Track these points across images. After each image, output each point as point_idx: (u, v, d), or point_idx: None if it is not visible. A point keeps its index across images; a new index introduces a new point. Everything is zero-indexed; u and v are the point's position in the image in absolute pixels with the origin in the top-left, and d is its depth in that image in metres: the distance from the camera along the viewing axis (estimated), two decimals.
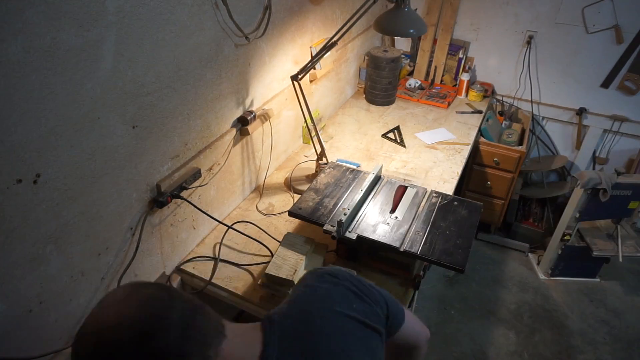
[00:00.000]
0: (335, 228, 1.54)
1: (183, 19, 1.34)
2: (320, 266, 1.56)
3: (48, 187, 1.09)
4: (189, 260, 1.72)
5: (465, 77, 3.05)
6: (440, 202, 1.74)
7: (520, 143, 2.87)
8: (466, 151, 2.43)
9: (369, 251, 1.67)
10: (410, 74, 3.30)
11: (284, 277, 1.46)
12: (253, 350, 0.79)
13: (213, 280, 1.63)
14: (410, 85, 3.08)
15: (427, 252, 1.50)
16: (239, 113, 1.80)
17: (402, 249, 1.50)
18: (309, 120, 1.98)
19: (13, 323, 1.13)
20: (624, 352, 2.46)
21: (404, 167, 2.27)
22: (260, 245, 1.77)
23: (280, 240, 1.66)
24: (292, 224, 1.90)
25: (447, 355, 2.40)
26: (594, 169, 3.20)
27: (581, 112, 3.03)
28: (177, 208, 1.60)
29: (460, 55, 3.11)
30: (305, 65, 1.82)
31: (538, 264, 2.99)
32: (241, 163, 1.93)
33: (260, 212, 1.98)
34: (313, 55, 2.15)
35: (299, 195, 1.82)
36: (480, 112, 2.88)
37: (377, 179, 1.87)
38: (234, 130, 1.78)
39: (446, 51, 3.13)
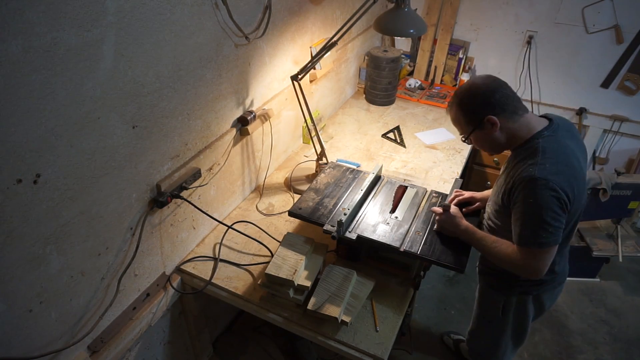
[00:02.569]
0: (335, 228, 1.54)
1: (183, 19, 1.34)
2: (320, 266, 1.57)
3: (48, 187, 1.09)
4: (189, 260, 1.72)
5: (465, 77, 3.05)
6: (440, 202, 1.74)
7: None
8: (466, 151, 2.43)
9: (369, 251, 1.68)
10: (410, 74, 3.30)
11: (284, 277, 1.46)
12: (543, 122, 1.38)
13: (213, 280, 1.63)
14: (410, 85, 3.08)
15: (427, 252, 1.50)
16: (239, 113, 1.80)
17: (402, 249, 1.51)
18: (309, 120, 1.98)
19: (13, 323, 1.13)
20: (624, 352, 2.46)
21: (404, 167, 2.27)
22: (260, 245, 1.77)
23: (280, 240, 1.66)
24: (292, 224, 1.90)
25: (448, 356, 2.40)
26: (594, 169, 3.20)
27: (581, 112, 3.02)
28: (177, 208, 1.60)
29: (460, 55, 3.11)
30: (305, 65, 1.82)
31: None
32: (241, 163, 1.93)
33: (260, 212, 1.98)
34: (313, 55, 2.15)
35: (299, 195, 1.82)
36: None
37: (377, 179, 1.87)
38: (234, 130, 1.78)
39: (446, 51, 3.13)
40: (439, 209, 1.59)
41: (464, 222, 1.52)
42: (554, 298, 1.64)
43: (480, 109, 1.33)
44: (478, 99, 1.34)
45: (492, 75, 1.41)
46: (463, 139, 1.44)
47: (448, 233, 1.55)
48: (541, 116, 1.42)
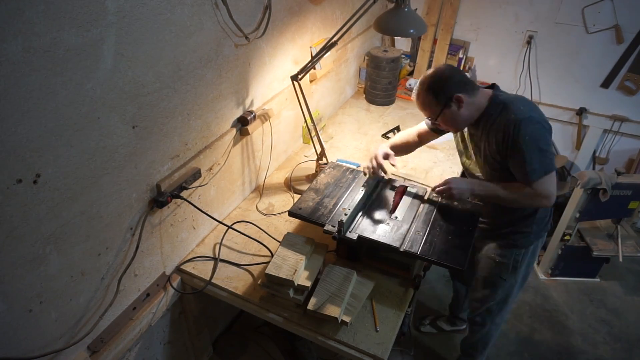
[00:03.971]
0: (336, 228, 1.54)
1: (183, 19, 1.34)
2: (320, 266, 1.57)
3: (48, 187, 1.09)
4: (189, 260, 1.72)
5: None
6: (440, 202, 1.74)
7: None
8: None
9: (369, 251, 1.67)
10: (410, 74, 3.30)
11: (284, 277, 1.46)
12: (489, 89, 1.58)
13: (213, 280, 1.63)
14: (410, 85, 3.08)
15: (427, 252, 1.50)
16: (239, 113, 1.80)
17: (402, 249, 1.50)
18: (309, 120, 1.98)
19: (13, 323, 1.13)
20: (624, 352, 2.46)
21: (404, 167, 2.26)
22: (260, 245, 1.77)
23: (280, 240, 1.66)
24: (292, 224, 1.90)
25: (447, 356, 2.40)
26: (594, 169, 3.20)
27: (581, 112, 3.03)
28: (177, 208, 1.60)
29: (460, 55, 3.11)
30: (305, 65, 1.82)
31: (538, 264, 2.99)
32: (241, 163, 1.93)
33: (260, 212, 1.98)
34: (313, 55, 2.15)
35: (299, 195, 1.82)
36: None
37: (377, 179, 1.87)
38: (234, 130, 1.78)
39: (446, 51, 3.13)
40: (441, 183, 1.63)
41: (467, 179, 1.66)
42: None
43: (447, 89, 1.50)
44: (444, 81, 1.51)
45: (449, 64, 1.63)
46: (433, 120, 1.61)
47: (463, 195, 1.62)
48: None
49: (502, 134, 1.48)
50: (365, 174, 1.81)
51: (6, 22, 0.89)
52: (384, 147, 1.81)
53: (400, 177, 2.14)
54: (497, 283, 1.84)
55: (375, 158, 1.77)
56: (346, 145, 2.45)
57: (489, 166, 1.60)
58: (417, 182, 2.09)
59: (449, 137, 2.52)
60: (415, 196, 1.78)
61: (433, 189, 1.66)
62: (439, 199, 1.76)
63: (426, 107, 1.57)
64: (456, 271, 2.25)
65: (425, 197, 1.77)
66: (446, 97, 1.50)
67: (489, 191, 1.58)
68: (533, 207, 1.62)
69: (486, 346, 2.13)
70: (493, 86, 1.61)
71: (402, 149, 1.89)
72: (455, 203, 1.73)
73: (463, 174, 1.90)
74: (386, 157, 1.79)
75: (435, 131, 1.78)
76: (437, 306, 2.65)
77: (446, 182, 1.60)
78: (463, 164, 1.78)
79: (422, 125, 1.85)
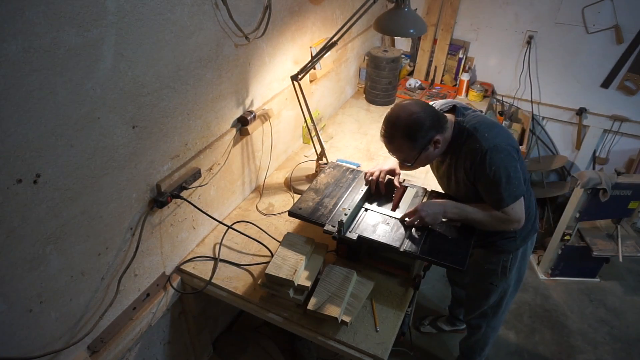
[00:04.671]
0: (336, 228, 1.54)
1: (183, 19, 1.34)
2: (320, 266, 1.57)
3: (48, 187, 1.09)
4: (189, 260, 1.72)
5: (465, 77, 3.05)
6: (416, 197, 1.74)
7: (520, 143, 2.86)
8: None
9: (369, 251, 1.67)
10: (410, 74, 3.30)
11: (284, 277, 1.46)
12: (449, 115, 1.55)
13: (213, 280, 1.63)
14: (410, 85, 3.08)
15: (427, 252, 1.50)
16: (239, 113, 1.80)
17: (402, 249, 1.50)
18: (309, 120, 1.98)
19: (13, 323, 1.13)
20: (624, 352, 2.46)
21: None
22: (260, 245, 1.77)
23: (280, 240, 1.66)
24: (292, 224, 1.90)
25: (447, 356, 2.40)
26: (594, 169, 3.20)
27: (581, 112, 3.02)
28: (177, 208, 1.60)
29: (460, 55, 3.11)
30: (305, 65, 1.82)
31: (538, 264, 2.99)
32: (241, 163, 1.93)
33: (260, 212, 1.98)
34: (313, 55, 2.15)
35: (299, 195, 1.82)
36: (480, 112, 2.87)
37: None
38: (234, 130, 1.78)
39: (446, 51, 3.13)
40: (410, 212, 1.57)
41: (441, 200, 1.61)
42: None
43: (425, 134, 1.45)
44: (420, 126, 1.43)
45: (416, 99, 1.54)
46: (408, 164, 1.54)
47: (436, 219, 1.55)
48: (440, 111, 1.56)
49: (470, 162, 1.48)
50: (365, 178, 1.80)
51: (6, 22, 0.89)
52: (393, 162, 1.77)
53: (397, 185, 2.13)
54: (489, 289, 1.84)
55: (380, 172, 1.76)
56: (346, 145, 2.45)
57: (464, 188, 1.59)
58: (417, 182, 2.09)
59: None
60: (415, 196, 1.78)
61: (402, 220, 1.60)
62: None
63: (401, 152, 1.51)
64: (453, 274, 2.26)
65: (425, 198, 1.77)
66: (424, 142, 1.46)
67: (461, 214, 1.56)
68: (503, 230, 1.60)
69: (484, 348, 2.13)
70: (454, 108, 1.57)
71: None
72: (430, 227, 1.60)
73: None
74: (392, 173, 1.77)
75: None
76: (437, 306, 2.65)
77: (415, 211, 1.55)
78: (441, 187, 1.76)
79: None
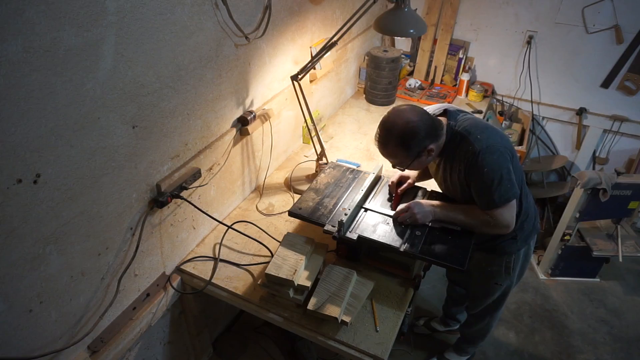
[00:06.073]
0: (336, 228, 1.54)
1: (183, 19, 1.34)
2: (320, 266, 1.57)
3: (48, 187, 1.09)
4: (189, 260, 1.72)
5: (465, 77, 3.05)
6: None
7: (520, 143, 2.87)
8: None
9: (369, 251, 1.67)
10: (410, 74, 3.30)
11: (284, 277, 1.46)
12: (442, 118, 1.55)
13: (213, 280, 1.63)
14: (410, 85, 3.08)
15: (427, 252, 1.50)
16: (239, 113, 1.80)
17: (402, 249, 1.50)
18: (309, 120, 1.98)
19: (13, 323, 1.13)
20: (624, 352, 2.46)
21: None
22: (260, 245, 1.77)
23: (280, 240, 1.66)
24: (292, 224, 1.90)
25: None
26: (594, 169, 3.20)
27: (581, 112, 3.02)
28: (177, 208, 1.60)
29: (460, 55, 3.11)
30: (305, 65, 1.82)
31: (538, 264, 2.99)
32: (241, 163, 1.93)
33: (260, 212, 1.98)
34: (313, 55, 2.15)
35: (299, 195, 1.82)
36: (480, 112, 2.88)
37: (377, 179, 1.87)
38: (234, 130, 1.78)
39: (446, 51, 3.13)
40: (401, 209, 1.60)
41: (433, 202, 1.63)
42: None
43: (420, 143, 1.46)
44: (415, 134, 1.44)
45: (414, 106, 1.52)
46: (400, 169, 1.58)
47: (425, 219, 1.58)
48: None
49: (464, 165, 1.48)
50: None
51: (6, 22, 0.89)
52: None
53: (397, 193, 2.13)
54: (494, 288, 1.85)
55: (391, 181, 1.80)
56: (346, 145, 2.45)
57: (460, 191, 1.58)
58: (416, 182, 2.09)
59: None
60: (415, 196, 1.78)
61: (395, 217, 1.62)
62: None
63: (395, 157, 1.53)
64: (454, 273, 2.26)
65: (425, 197, 1.77)
66: (418, 150, 1.47)
67: (450, 217, 1.57)
68: (491, 234, 1.62)
69: (483, 338, 2.16)
70: (446, 112, 1.57)
71: (421, 175, 1.86)
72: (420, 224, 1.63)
73: None
74: (403, 180, 1.80)
75: None
76: (434, 307, 2.65)
77: (408, 207, 1.59)
78: (440, 189, 1.76)
79: None
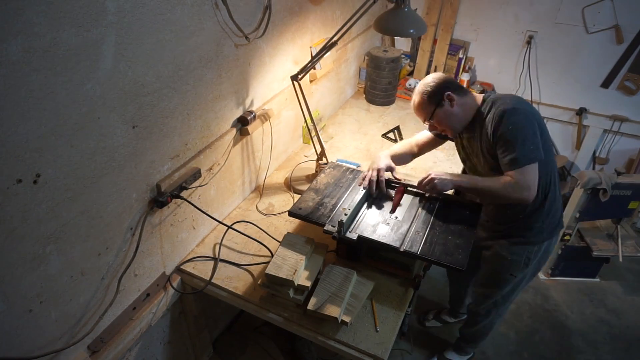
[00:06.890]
0: (336, 228, 1.54)
1: (183, 19, 1.34)
2: (320, 266, 1.57)
3: (48, 187, 1.09)
4: (189, 260, 1.72)
5: (465, 77, 3.05)
6: (440, 202, 1.74)
7: None
8: None
9: (369, 251, 1.68)
10: (410, 74, 3.30)
11: (284, 277, 1.46)
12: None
13: (213, 280, 1.63)
14: (410, 85, 3.08)
15: (427, 252, 1.50)
16: (239, 113, 1.80)
17: (402, 249, 1.50)
18: (309, 120, 1.98)
19: (13, 323, 1.13)
20: (624, 352, 2.46)
21: (404, 167, 2.26)
22: (260, 245, 1.77)
23: (280, 240, 1.66)
24: (292, 224, 1.90)
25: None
26: (594, 169, 3.20)
27: (581, 112, 3.03)
28: (177, 208, 1.60)
29: (460, 55, 3.11)
30: (305, 65, 1.82)
31: None
32: (241, 163, 1.93)
33: (260, 212, 1.98)
34: (313, 55, 2.15)
35: (299, 195, 1.82)
36: None
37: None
38: (234, 130, 1.78)
39: (446, 51, 3.13)
40: (423, 178, 1.66)
41: (450, 173, 1.68)
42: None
43: (439, 89, 1.60)
44: (434, 83, 1.62)
45: (440, 73, 1.71)
46: (427, 120, 1.67)
47: (445, 186, 1.63)
48: None
49: (492, 126, 1.54)
50: (360, 184, 1.79)
51: (6, 22, 0.89)
52: (386, 159, 1.81)
53: (398, 178, 2.13)
54: (507, 279, 1.84)
55: (378, 172, 1.76)
56: (346, 145, 2.45)
57: (488, 165, 1.61)
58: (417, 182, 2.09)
59: None
60: (415, 196, 1.78)
61: (419, 184, 1.68)
62: (439, 199, 1.75)
63: (420, 109, 1.65)
64: (454, 273, 2.26)
65: (424, 201, 1.77)
66: (437, 96, 1.60)
67: (471, 183, 1.60)
68: (513, 202, 1.56)
69: (485, 336, 2.16)
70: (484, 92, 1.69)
71: (401, 160, 1.90)
72: (455, 203, 1.72)
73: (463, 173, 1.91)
74: (390, 169, 1.80)
75: (439, 137, 1.82)
76: (440, 299, 2.65)
77: (428, 175, 1.65)
78: (468, 170, 1.80)
79: (421, 135, 1.90)
